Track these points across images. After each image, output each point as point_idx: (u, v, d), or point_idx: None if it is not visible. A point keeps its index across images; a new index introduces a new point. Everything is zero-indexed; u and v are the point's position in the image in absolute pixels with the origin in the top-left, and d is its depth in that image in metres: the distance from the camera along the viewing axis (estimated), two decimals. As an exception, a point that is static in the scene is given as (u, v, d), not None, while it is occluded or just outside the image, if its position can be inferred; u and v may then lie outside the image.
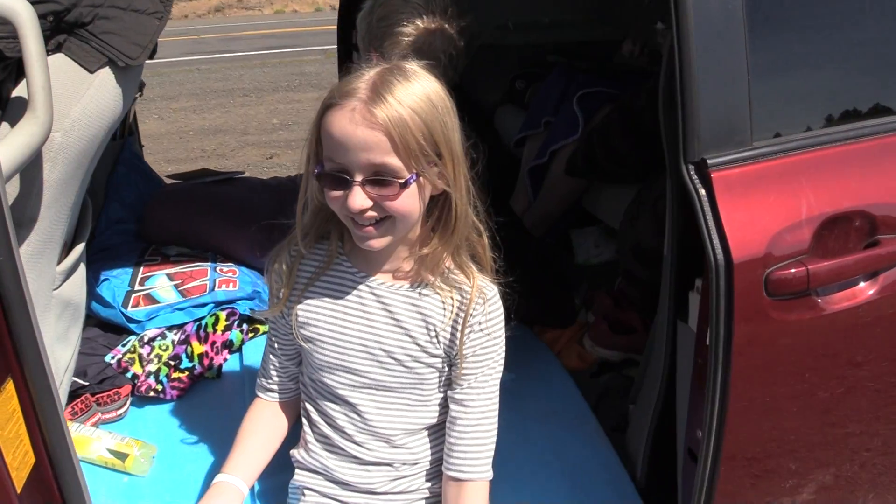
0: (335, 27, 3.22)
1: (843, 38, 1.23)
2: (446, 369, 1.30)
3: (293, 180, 2.69)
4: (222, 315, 2.11)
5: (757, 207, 1.14)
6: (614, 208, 2.40)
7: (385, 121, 1.07)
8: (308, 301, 1.31)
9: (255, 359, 2.11)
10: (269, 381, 1.44)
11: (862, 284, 1.21)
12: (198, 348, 2.04)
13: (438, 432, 1.36)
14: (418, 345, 1.26)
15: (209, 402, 1.98)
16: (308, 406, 1.39)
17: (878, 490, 1.41)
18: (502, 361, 1.32)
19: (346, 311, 1.29)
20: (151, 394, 1.93)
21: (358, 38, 1.85)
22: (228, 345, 2.11)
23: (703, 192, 1.13)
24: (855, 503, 1.38)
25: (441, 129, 1.13)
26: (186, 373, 1.99)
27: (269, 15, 17.04)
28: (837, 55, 1.24)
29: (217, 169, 2.85)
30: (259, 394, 1.46)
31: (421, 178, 1.13)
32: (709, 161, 1.13)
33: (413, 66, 1.16)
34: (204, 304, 2.11)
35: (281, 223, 2.30)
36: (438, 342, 1.26)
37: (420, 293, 1.26)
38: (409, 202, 1.14)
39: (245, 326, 2.16)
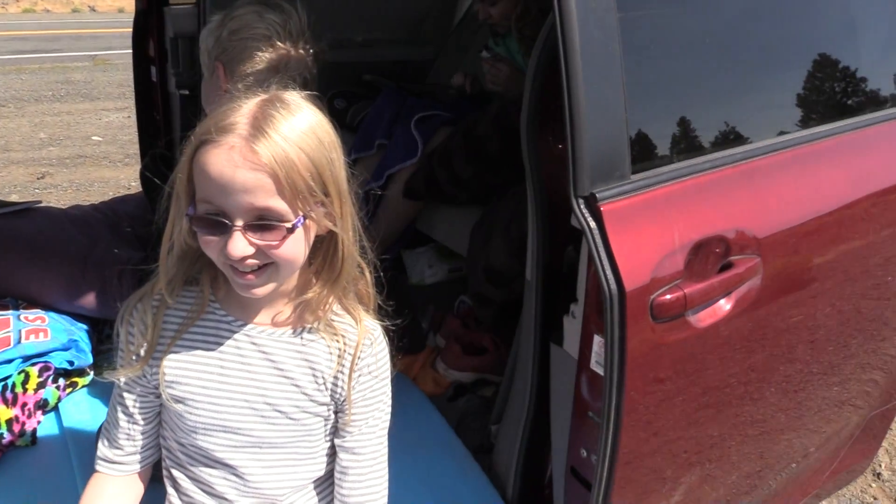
0: (101, 31, 2.94)
1: (708, 73, 1.35)
2: (332, 417, 1.22)
3: (99, 210, 2.41)
4: (33, 371, 1.84)
5: (640, 237, 1.21)
6: (451, 229, 2.45)
7: (270, 160, 0.98)
8: (177, 356, 1.16)
9: (78, 416, 1.87)
10: (119, 451, 1.24)
11: (721, 302, 1.33)
12: (5, 413, 1.76)
13: (325, 483, 1.29)
14: (305, 394, 1.18)
15: (25, 476, 1.71)
16: (175, 473, 1.24)
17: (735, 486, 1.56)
18: (390, 403, 1.27)
19: (222, 364, 1.17)
20: (-49, 475, 1.62)
21: (201, 51, 1.70)
22: (42, 405, 1.85)
23: (593, 224, 1.17)
24: (718, 500, 1.52)
25: (328, 167, 1.05)
26: (-8, 443, 1.70)
27: (17, 14, 15.21)
28: (702, 89, 1.36)
29: (5, 200, 2.47)
30: (101, 468, 1.25)
31: (308, 220, 1.05)
32: (598, 195, 1.17)
33: (294, 97, 1.07)
34: (9, 361, 1.82)
35: (96, 261, 2.07)
36: (326, 389, 1.18)
37: (303, 339, 1.18)
38: (296, 247, 1.06)
39: (62, 381, 1.90)
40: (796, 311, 1.51)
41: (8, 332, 1.87)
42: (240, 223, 1.01)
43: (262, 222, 1.01)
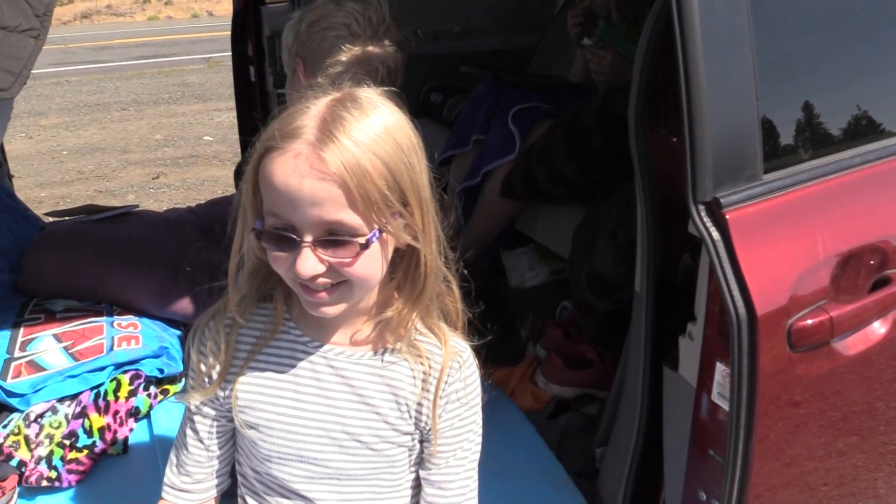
0: (216, 34, 2.95)
1: (853, 52, 1.13)
2: (417, 446, 1.10)
3: (195, 213, 2.40)
4: (125, 379, 1.81)
5: (774, 250, 1.01)
6: (552, 229, 2.28)
7: (339, 168, 0.86)
8: (250, 378, 1.07)
9: (168, 424, 1.84)
10: (187, 478, 1.15)
11: (875, 325, 1.10)
12: (98, 421, 1.74)
13: (410, 514, 1.16)
14: (387, 423, 1.05)
15: (117, 484, 1.69)
16: (250, 501, 1.15)
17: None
18: (480, 432, 1.13)
19: (298, 389, 1.06)
20: (44, 483, 1.62)
21: (283, 49, 1.62)
22: (134, 413, 1.82)
23: (717, 235, 0.98)
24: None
25: (407, 173, 0.92)
26: (86, 452, 1.70)
27: (142, 22, 16.09)
28: (846, 71, 1.14)
29: (103, 204, 2.50)
30: (168, 496, 1.16)
31: (384, 234, 0.93)
32: (722, 200, 0.98)
33: (369, 94, 0.94)
34: (102, 368, 1.81)
35: (187, 266, 2.05)
36: (410, 417, 1.06)
37: (384, 361, 1.05)
38: (370, 264, 0.94)
39: (153, 389, 1.88)
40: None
41: (101, 339, 1.86)
42: (309, 238, 0.90)
43: (333, 237, 0.90)
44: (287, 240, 0.91)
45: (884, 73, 1.21)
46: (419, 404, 1.05)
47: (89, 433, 1.72)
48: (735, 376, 0.99)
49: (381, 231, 0.91)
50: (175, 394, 1.11)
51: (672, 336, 1.42)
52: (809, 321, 1.01)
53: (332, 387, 1.05)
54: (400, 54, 1.59)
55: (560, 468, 1.72)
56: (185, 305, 2.01)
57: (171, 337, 1.99)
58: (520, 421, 1.85)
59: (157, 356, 1.89)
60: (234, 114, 6.92)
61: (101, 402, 1.77)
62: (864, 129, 1.16)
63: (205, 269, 2.05)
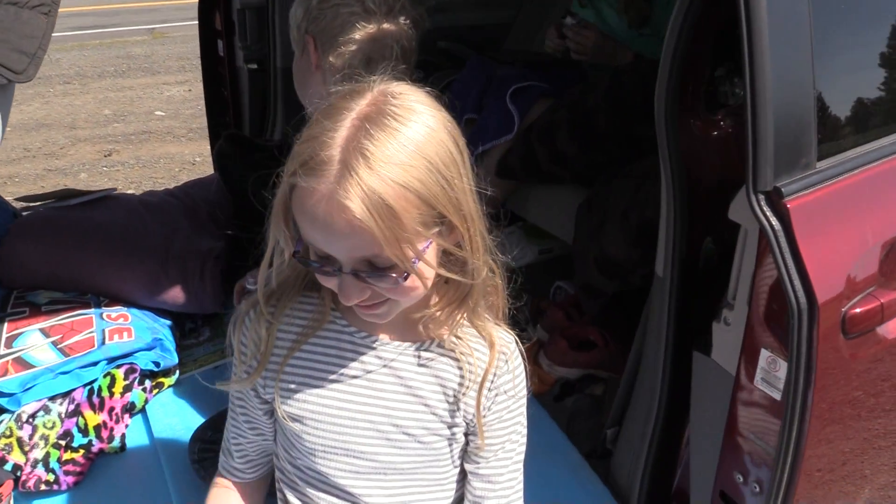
0: (158, 3, 2.82)
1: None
2: (462, 439, 1.08)
3: (175, 195, 2.29)
4: (119, 374, 1.74)
5: (830, 239, 1.01)
6: (548, 211, 2.25)
7: (364, 215, 0.81)
8: (294, 370, 1.04)
9: (165, 419, 1.77)
10: (235, 459, 1.17)
11: (913, 310, 1.12)
12: (93, 419, 1.66)
13: (454, 509, 1.15)
14: (436, 415, 1.04)
15: (117, 484, 1.62)
16: (289, 496, 1.12)
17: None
18: (526, 423, 1.12)
19: (345, 381, 1.03)
20: (42, 487, 1.54)
21: (290, 26, 1.54)
22: (129, 408, 1.75)
23: (778, 225, 0.97)
24: None
25: (444, 194, 0.86)
26: (82, 452, 1.62)
27: (75, -12, 15.33)
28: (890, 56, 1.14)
29: (76, 188, 2.38)
30: (222, 475, 1.19)
31: (428, 252, 0.89)
32: (783, 189, 0.97)
33: (401, 101, 0.86)
34: (94, 363, 1.73)
35: (177, 253, 1.96)
36: (458, 409, 1.04)
37: (432, 353, 1.04)
38: (414, 283, 0.90)
39: (148, 383, 1.80)
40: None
41: (91, 332, 1.77)
42: (349, 268, 0.88)
43: (373, 269, 0.88)
44: (328, 267, 0.89)
45: None
46: (467, 396, 1.03)
47: (84, 432, 1.65)
48: (793, 365, 0.99)
49: (418, 259, 0.87)
50: (220, 382, 1.11)
51: (694, 320, 1.43)
52: (861, 308, 1.02)
53: (381, 378, 1.03)
54: (414, 32, 1.53)
55: (573, 450, 1.72)
56: (175, 294, 1.93)
57: (162, 328, 1.91)
58: (529, 402, 1.84)
59: (150, 348, 1.81)
60: (185, 87, 6.72)
61: (95, 399, 1.69)
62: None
63: (196, 256, 1.97)
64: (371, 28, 1.48)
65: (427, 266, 0.90)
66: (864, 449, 1.17)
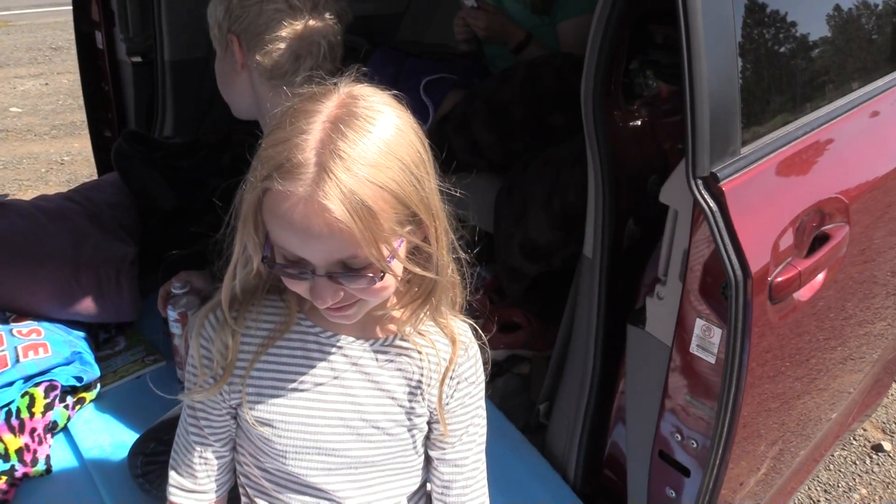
0: None
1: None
2: (425, 428, 1.12)
3: (72, 199, 2.17)
4: (38, 392, 1.65)
5: (757, 216, 1.13)
6: (461, 199, 2.31)
7: (344, 215, 0.82)
8: (262, 374, 1.04)
9: (92, 437, 1.69)
10: (196, 480, 1.12)
11: (819, 275, 1.27)
12: (13, 442, 1.58)
13: (419, 494, 1.19)
14: (402, 406, 1.07)
15: (48, 509, 1.54)
16: (258, 501, 1.12)
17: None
18: (485, 406, 1.18)
19: (314, 381, 1.04)
20: (-33, 520, 1.44)
21: (210, 25, 1.50)
22: (52, 428, 1.66)
23: (715, 207, 1.08)
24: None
25: (416, 192, 0.88)
26: (5, 478, 1.55)
27: None
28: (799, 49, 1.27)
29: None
30: (177, 498, 1.13)
31: (400, 250, 0.91)
32: (718, 174, 1.08)
33: (367, 103, 0.88)
34: (10, 383, 1.62)
35: (87, 260, 1.86)
36: (423, 399, 1.08)
37: (396, 348, 1.06)
38: (386, 283, 0.92)
39: (70, 400, 1.72)
40: (859, 271, 1.48)
41: (3, 350, 1.66)
42: (322, 271, 0.88)
43: (347, 270, 0.89)
44: (299, 272, 0.89)
45: (823, 49, 1.38)
46: (430, 389, 1.07)
47: (5, 457, 1.56)
48: (732, 330, 1.11)
49: (392, 257, 0.89)
50: (180, 393, 1.06)
51: (621, 296, 1.55)
52: (784, 276, 1.15)
53: (348, 376, 1.05)
54: (339, 27, 1.53)
55: (512, 427, 1.81)
56: (90, 304, 1.84)
57: (78, 340, 1.82)
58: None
59: (69, 363, 1.72)
60: (41, 81, 6.25)
61: (14, 421, 1.60)
62: (811, 101, 1.31)
63: (109, 263, 1.88)
64: (297, 25, 1.46)
65: (399, 264, 0.92)
66: (762, 409, 1.32)
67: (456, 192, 0.99)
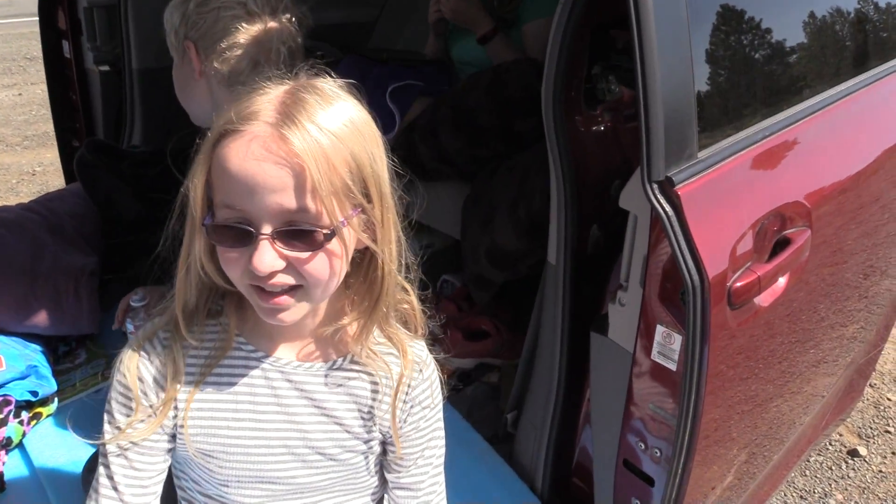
0: None
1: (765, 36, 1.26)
2: (379, 449, 1.07)
3: (32, 210, 2.12)
4: (-9, 407, 1.60)
5: (714, 221, 1.12)
6: (432, 207, 2.29)
7: (302, 151, 0.81)
8: (202, 404, 0.98)
9: (47, 451, 1.65)
10: None
11: (780, 280, 1.26)
12: (-35, 459, 1.52)
13: (375, 513, 1.16)
14: (350, 432, 1.02)
15: (0, 528, 1.50)
16: None
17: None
18: (443, 429, 1.13)
19: (256, 408, 0.99)
20: (-87, 541, 1.40)
21: (167, 31, 1.47)
22: (6, 444, 1.62)
23: (671, 211, 1.07)
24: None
25: (370, 164, 0.88)
26: (-45, 496, 1.48)
27: None
28: (759, 55, 1.27)
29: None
30: None
31: (345, 229, 0.87)
32: (673, 178, 1.06)
33: (330, 84, 0.90)
34: (-38, 398, 1.57)
35: (45, 272, 1.82)
36: (374, 424, 1.03)
37: (343, 371, 1.01)
38: (331, 263, 0.88)
39: (25, 415, 1.67)
40: (829, 274, 1.48)
41: (-45, 364, 1.62)
42: (267, 230, 0.83)
43: (294, 228, 0.84)
44: (242, 234, 0.84)
45: (787, 54, 1.37)
46: (381, 408, 1.02)
47: (-43, 475, 1.51)
48: (690, 336, 1.09)
49: (343, 224, 0.86)
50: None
51: (585, 303, 1.53)
52: (742, 282, 1.14)
53: (292, 402, 1.00)
54: (299, 32, 1.51)
55: (478, 437, 1.78)
56: (47, 317, 1.80)
57: (34, 353, 1.77)
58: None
59: (24, 377, 1.68)
60: (14, 91, 6.18)
61: (-34, 438, 1.55)
62: (773, 105, 1.31)
63: (68, 274, 1.84)
64: (255, 30, 1.44)
65: (343, 248, 0.88)
66: (731, 415, 1.31)
67: (403, 189, 0.96)
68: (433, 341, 1.08)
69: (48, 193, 2.33)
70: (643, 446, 1.33)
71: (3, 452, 1.62)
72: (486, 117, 1.87)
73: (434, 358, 1.08)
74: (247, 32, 1.43)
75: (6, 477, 1.58)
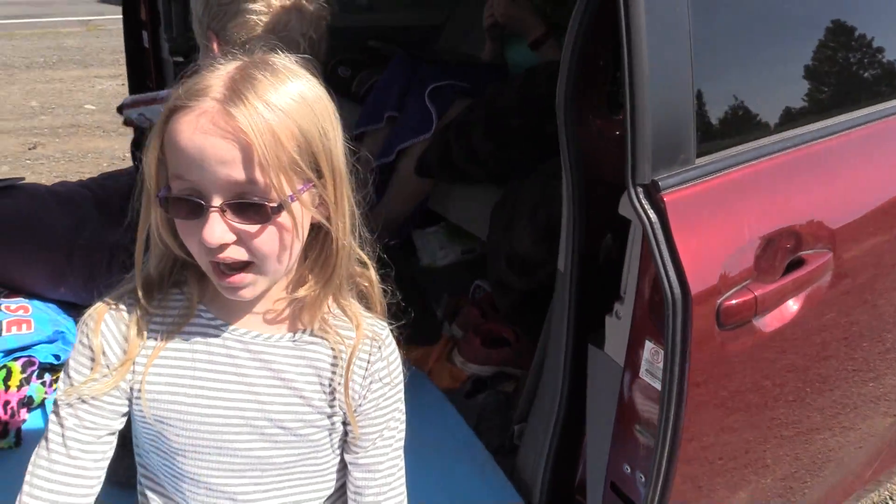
0: None
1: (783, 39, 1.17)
2: (341, 428, 1.05)
3: (87, 186, 2.23)
4: (16, 367, 1.68)
5: (707, 232, 1.05)
6: (467, 210, 2.27)
7: (247, 126, 0.82)
8: (160, 370, 0.98)
9: (64, 415, 1.71)
10: (64, 494, 0.97)
11: (789, 303, 1.17)
12: (-16, 413, 1.60)
13: (337, 498, 1.13)
14: (312, 406, 1.01)
15: (12, 479, 1.55)
16: (152, 496, 1.06)
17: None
18: (404, 410, 1.10)
19: (215, 377, 0.99)
20: (-75, 484, 1.47)
21: (194, 19, 1.52)
22: (27, 402, 1.69)
23: (654, 217, 1.00)
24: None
25: (320, 139, 0.88)
26: (-29, 446, 1.56)
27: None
28: (774, 59, 1.18)
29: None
30: None
31: (296, 203, 0.88)
32: (660, 183, 1.00)
33: (283, 60, 0.91)
34: (-11, 356, 1.66)
35: (83, 244, 1.90)
36: (334, 398, 1.02)
37: (303, 342, 1.01)
38: (282, 238, 0.89)
39: (48, 377, 1.75)
40: (859, 308, 1.35)
41: (-13, 323, 1.71)
42: (217, 202, 0.85)
43: (243, 201, 0.85)
44: (194, 206, 0.85)
45: (807, 61, 1.27)
46: (340, 385, 1.01)
47: (-26, 426, 1.59)
48: (668, 353, 1.02)
49: (293, 198, 0.87)
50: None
51: (595, 315, 1.46)
52: (735, 300, 1.05)
53: (252, 372, 0.99)
54: (322, 24, 1.53)
55: (480, 446, 1.74)
56: (80, 287, 1.88)
57: (65, 321, 1.85)
58: (439, 400, 1.86)
59: (51, 341, 1.76)
60: (118, 82, 6.55)
61: (-11, 393, 1.63)
62: (787, 116, 1.21)
63: (104, 248, 1.92)
64: (273, 22, 1.46)
65: (296, 223, 0.88)
66: (767, 437, 1.21)
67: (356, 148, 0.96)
68: (403, 326, 1.07)
69: (107, 172, 2.45)
70: (629, 469, 1.26)
71: (25, 410, 1.69)
72: (517, 119, 1.84)
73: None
74: (265, 25, 1.45)
75: (24, 434, 1.66)
